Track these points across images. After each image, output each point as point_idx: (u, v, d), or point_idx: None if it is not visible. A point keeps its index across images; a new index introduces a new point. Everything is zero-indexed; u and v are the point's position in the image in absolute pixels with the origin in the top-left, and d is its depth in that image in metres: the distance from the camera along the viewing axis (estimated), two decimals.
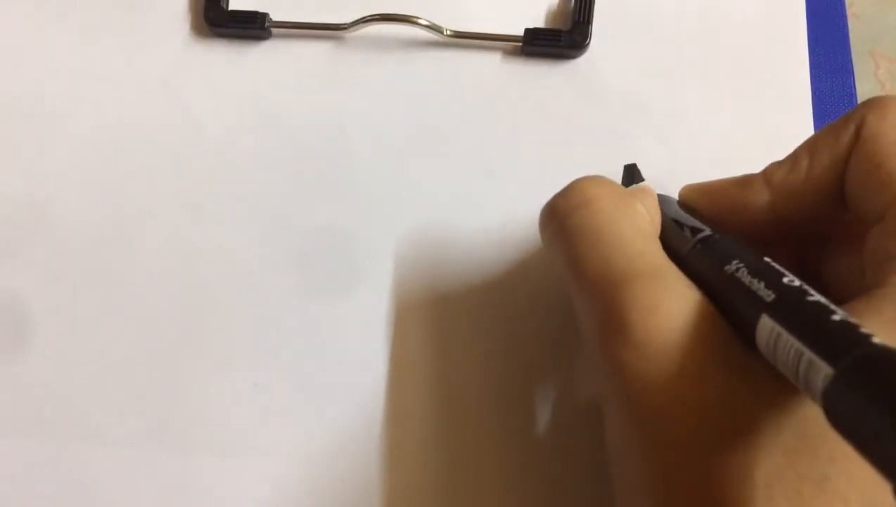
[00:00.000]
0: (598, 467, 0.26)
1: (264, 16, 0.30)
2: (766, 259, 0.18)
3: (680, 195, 0.24)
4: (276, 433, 0.27)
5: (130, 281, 0.29)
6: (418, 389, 0.27)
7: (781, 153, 0.22)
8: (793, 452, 0.17)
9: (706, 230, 0.21)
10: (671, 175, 0.29)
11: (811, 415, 0.17)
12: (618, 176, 0.27)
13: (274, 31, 0.31)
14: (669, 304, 0.18)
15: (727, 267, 0.18)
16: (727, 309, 0.18)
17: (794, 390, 0.17)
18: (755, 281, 0.17)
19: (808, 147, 0.21)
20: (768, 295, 0.16)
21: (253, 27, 0.30)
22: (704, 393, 0.17)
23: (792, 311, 0.16)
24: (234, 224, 0.29)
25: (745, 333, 0.17)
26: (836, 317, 0.14)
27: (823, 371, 0.13)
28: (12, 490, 0.27)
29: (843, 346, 0.13)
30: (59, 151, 0.30)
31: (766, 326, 0.16)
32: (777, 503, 0.16)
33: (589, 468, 0.26)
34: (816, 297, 0.16)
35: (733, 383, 0.17)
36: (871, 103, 0.20)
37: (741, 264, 0.18)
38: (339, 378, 0.27)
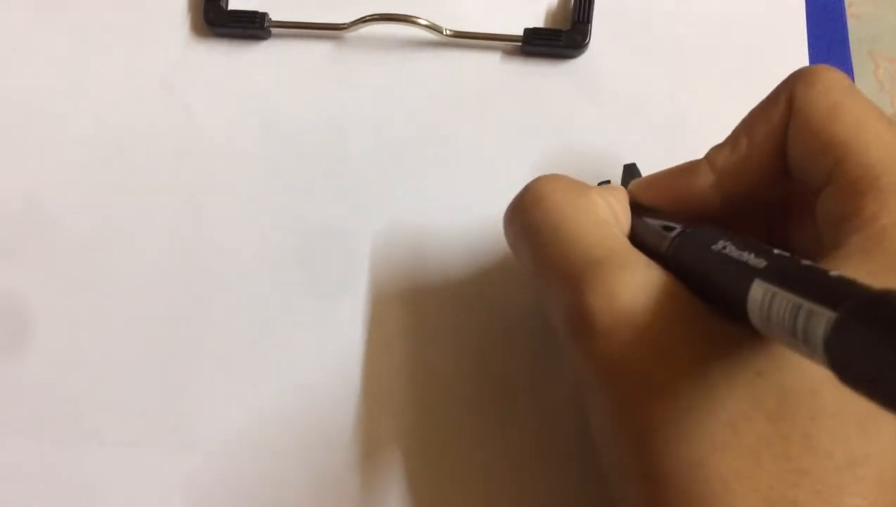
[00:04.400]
0: (577, 454, 0.26)
1: (264, 15, 0.30)
2: (751, 238, 0.18)
3: (629, 193, 0.24)
4: (275, 432, 0.27)
5: (130, 281, 0.29)
6: (420, 388, 0.27)
7: None
8: (775, 416, 0.17)
9: (678, 227, 0.21)
10: None
11: (789, 377, 0.17)
12: (614, 176, 0.27)
13: (273, 30, 0.31)
14: (631, 286, 0.18)
15: (714, 246, 0.18)
16: (714, 289, 0.18)
17: (770, 356, 0.17)
18: (744, 253, 0.17)
19: (745, 126, 0.22)
20: (760, 263, 0.16)
21: (252, 27, 0.30)
22: (674, 368, 0.18)
23: (786, 271, 0.16)
24: (234, 224, 0.29)
25: (734, 307, 0.17)
26: (832, 274, 0.14)
27: (825, 317, 0.13)
28: (12, 490, 0.27)
29: (844, 294, 0.13)
30: (59, 151, 0.30)
31: (759, 290, 0.16)
32: (766, 467, 0.17)
33: (567, 455, 0.26)
34: (808, 262, 0.16)
35: (703, 353, 0.18)
36: (798, 75, 0.21)
37: (728, 242, 0.18)
38: (341, 378, 0.27)
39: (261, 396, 0.27)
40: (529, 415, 0.27)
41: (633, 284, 0.18)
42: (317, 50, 0.31)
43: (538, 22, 0.31)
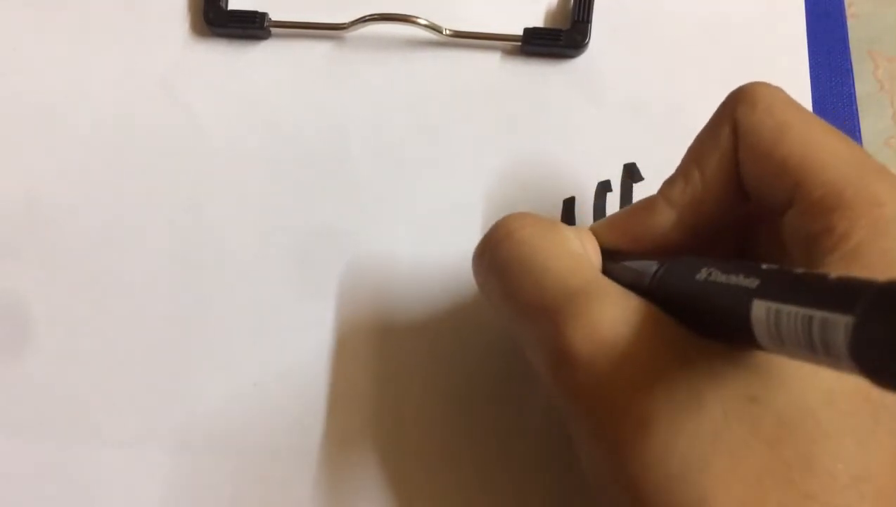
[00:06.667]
0: (552, 482, 0.26)
1: (263, 15, 0.30)
2: (732, 260, 0.18)
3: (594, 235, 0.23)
4: (275, 432, 0.27)
5: (130, 281, 0.29)
6: (420, 387, 0.27)
7: None
8: (775, 441, 0.16)
9: (655, 264, 0.20)
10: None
11: (783, 401, 0.17)
12: (614, 176, 0.27)
13: (273, 30, 0.31)
14: (610, 316, 0.18)
15: (698, 276, 0.18)
16: (709, 318, 0.18)
17: (761, 379, 0.17)
18: (732, 276, 0.16)
19: (693, 157, 0.21)
20: (752, 282, 0.16)
21: (252, 27, 0.31)
22: (662, 399, 0.17)
23: (784, 284, 0.15)
24: (234, 224, 0.29)
25: (734, 333, 0.17)
26: (832, 276, 0.14)
27: (842, 323, 0.13)
28: (12, 490, 0.27)
29: (854, 294, 0.13)
30: (59, 150, 0.30)
31: (761, 310, 0.15)
32: (771, 495, 0.16)
33: (544, 481, 0.26)
34: (802, 270, 0.15)
35: (691, 381, 0.17)
36: (736, 96, 0.20)
37: (711, 269, 0.17)
38: (340, 378, 0.27)
39: (260, 396, 0.27)
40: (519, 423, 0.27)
41: (613, 313, 0.18)
42: (316, 50, 0.31)
43: (538, 21, 0.31)
